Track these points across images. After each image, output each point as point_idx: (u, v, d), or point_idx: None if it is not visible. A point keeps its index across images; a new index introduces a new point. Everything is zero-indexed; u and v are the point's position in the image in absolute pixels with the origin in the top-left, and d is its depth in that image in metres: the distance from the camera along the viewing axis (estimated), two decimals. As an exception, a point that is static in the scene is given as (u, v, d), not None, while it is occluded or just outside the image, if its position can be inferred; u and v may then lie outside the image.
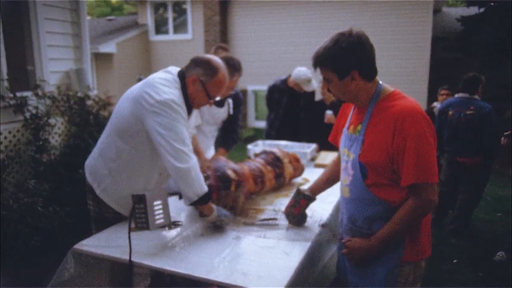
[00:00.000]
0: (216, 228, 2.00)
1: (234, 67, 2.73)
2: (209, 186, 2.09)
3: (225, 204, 2.15)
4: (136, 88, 1.99)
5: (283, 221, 2.07)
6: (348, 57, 1.51)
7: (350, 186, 1.63)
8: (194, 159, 1.89)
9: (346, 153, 1.66)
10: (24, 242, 3.14)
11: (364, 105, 1.62)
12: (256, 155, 2.78)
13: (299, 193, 2.03)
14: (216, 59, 2.04)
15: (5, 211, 3.13)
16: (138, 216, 1.68)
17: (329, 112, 4.20)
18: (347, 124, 1.73)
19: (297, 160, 2.82)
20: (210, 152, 3.08)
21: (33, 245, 3.16)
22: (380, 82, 1.62)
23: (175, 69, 2.05)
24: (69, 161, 4.03)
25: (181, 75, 2.01)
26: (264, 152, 2.75)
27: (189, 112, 2.05)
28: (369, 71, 1.56)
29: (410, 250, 1.58)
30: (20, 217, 3.17)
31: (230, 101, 3.07)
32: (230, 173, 2.17)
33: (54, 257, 3.10)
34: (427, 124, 1.49)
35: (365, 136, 1.57)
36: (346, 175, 1.66)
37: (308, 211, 2.05)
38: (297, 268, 1.60)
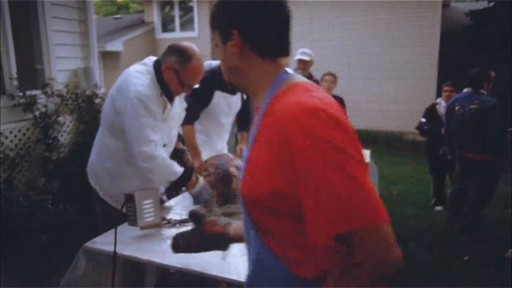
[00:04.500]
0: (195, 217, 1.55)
1: None
2: (208, 183, 2.09)
3: (227, 200, 2.13)
4: (115, 84, 2.00)
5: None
6: (229, 8, 1.00)
7: (246, 235, 1.04)
8: (158, 157, 1.87)
9: None
10: (34, 239, 3.17)
11: (259, 100, 1.01)
12: None
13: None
14: (192, 47, 1.98)
15: (16, 209, 3.15)
16: (129, 213, 1.75)
17: None
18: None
19: None
20: (225, 147, 3.06)
21: (43, 242, 3.18)
22: (288, 70, 1.01)
23: (150, 60, 2.03)
24: (77, 159, 4.05)
25: (157, 65, 1.98)
26: None
27: (170, 100, 2.04)
28: (260, 38, 0.97)
29: None
30: (30, 215, 3.20)
31: None
32: (232, 170, 2.16)
33: (63, 254, 3.12)
34: (336, 127, 0.82)
35: (250, 153, 0.94)
36: None
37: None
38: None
